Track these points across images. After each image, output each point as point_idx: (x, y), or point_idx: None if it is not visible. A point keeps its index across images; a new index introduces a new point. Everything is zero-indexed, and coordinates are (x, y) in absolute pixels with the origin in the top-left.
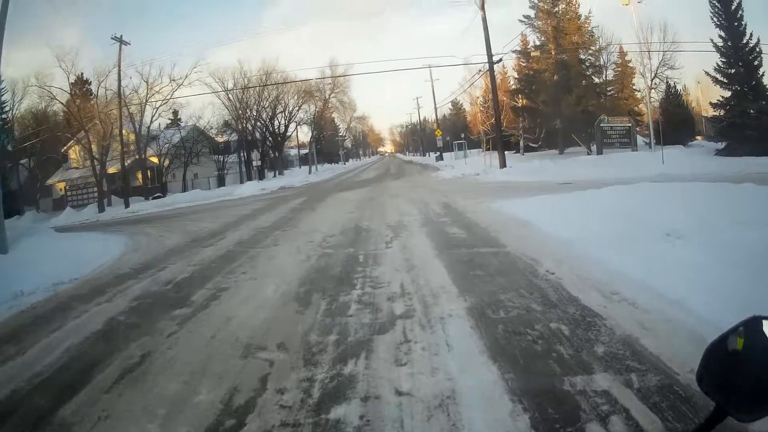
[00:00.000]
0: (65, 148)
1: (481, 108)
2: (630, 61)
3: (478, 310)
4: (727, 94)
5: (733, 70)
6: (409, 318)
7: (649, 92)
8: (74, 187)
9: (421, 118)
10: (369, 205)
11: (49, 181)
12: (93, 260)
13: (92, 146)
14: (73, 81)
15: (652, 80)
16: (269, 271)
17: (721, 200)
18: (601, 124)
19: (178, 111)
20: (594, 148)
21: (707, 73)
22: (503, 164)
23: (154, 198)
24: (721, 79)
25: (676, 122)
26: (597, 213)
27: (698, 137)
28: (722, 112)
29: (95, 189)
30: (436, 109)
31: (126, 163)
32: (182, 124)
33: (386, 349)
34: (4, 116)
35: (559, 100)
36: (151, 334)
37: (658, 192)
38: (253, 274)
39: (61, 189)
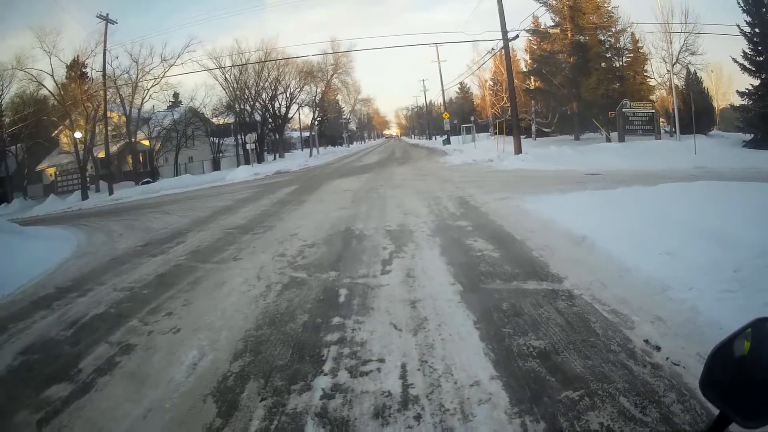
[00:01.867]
0: (56, 132)
1: (491, 90)
2: (642, 47)
3: None
4: (756, 82)
5: (762, 58)
6: None
7: (672, 78)
8: (64, 172)
9: (428, 101)
10: (368, 198)
11: (40, 167)
12: (26, 271)
13: (77, 130)
14: (69, 63)
15: (673, 65)
16: (202, 316)
17: None
18: (624, 110)
19: (178, 94)
20: (613, 134)
21: (735, 60)
22: (518, 150)
23: (144, 183)
24: (749, 66)
25: (697, 111)
26: (676, 229)
27: (713, 127)
28: (749, 102)
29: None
30: (443, 89)
31: (115, 147)
32: (180, 107)
33: None
34: None
35: (577, 83)
36: None
37: (733, 195)
38: (178, 319)
39: (51, 174)
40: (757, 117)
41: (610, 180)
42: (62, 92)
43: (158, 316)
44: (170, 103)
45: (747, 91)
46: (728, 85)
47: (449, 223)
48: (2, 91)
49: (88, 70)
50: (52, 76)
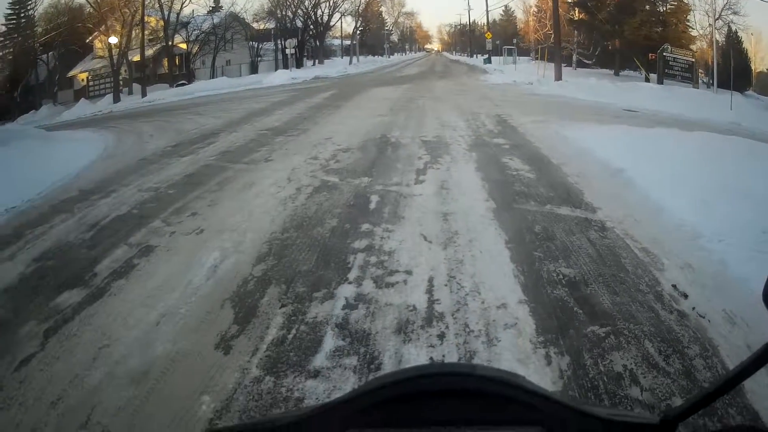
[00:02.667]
0: (90, 38)
1: (535, 16)
2: None
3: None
4: None
5: None
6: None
7: (714, 32)
8: (97, 77)
9: (471, 20)
10: (406, 108)
11: (72, 73)
12: (48, 176)
13: (112, 35)
14: None
15: (716, 20)
16: (228, 217)
17: None
18: (665, 54)
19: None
20: (652, 76)
21: None
22: (559, 77)
23: (178, 85)
24: None
25: (735, 69)
26: (713, 179)
27: (749, 88)
28: None
29: (119, 77)
30: (488, 9)
31: (151, 51)
32: (220, 12)
33: None
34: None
35: (621, 21)
36: None
37: None
38: (202, 220)
39: (83, 80)
40: None
41: (647, 119)
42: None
43: (182, 216)
44: (210, 8)
45: None
46: (767, 50)
47: (486, 139)
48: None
49: None
50: None
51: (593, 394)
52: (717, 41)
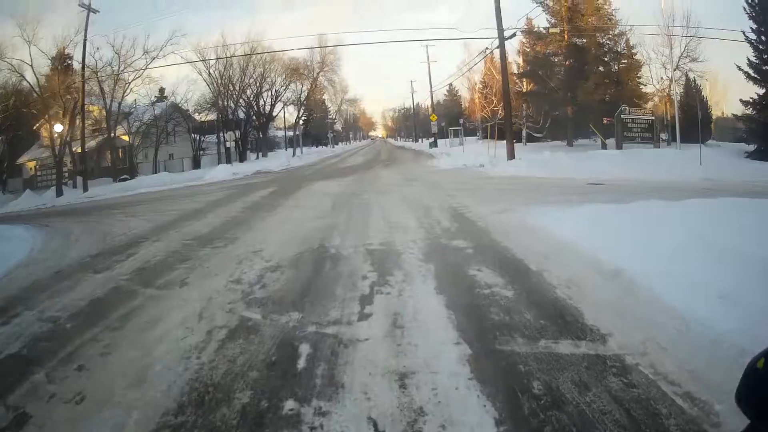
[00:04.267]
0: (36, 125)
1: (481, 93)
2: (636, 53)
3: None
4: (761, 91)
5: None
6: None
7: (673, 84)
8: (43, 166)
9: (415, 103)
10: (349, 204)
11: (20, 160)
12: None
13: (57, 123)
14: (55, 55)
15: (674, 71)
16: (116, 378)
17: None
18: (622, 116)
19: (164, 89)
20: (609, 141)
21: (739, 68)
22: (511, 155)
23: (121, 180)
24: (754, 75)
25: (696, 119)
26: (726, 260)
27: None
28: (753, 111)
29: (64, 169)
30: (432, 90)
31: (94, 142)
32: (162, 102)
33: None
34: None
35: (573, 87)
36: None
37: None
38: (86, 381)
39: (31, 168)
40: (762, 127)
41: (617, 191)
42: (42, 84)
43: (68, 369)
44: (156, 99)
45: (751, 100)
46: (722, 93)
47: (444, 242)
48: None
49: (71, 62)
50: (31, 66)
51: None
52: (678, 93)
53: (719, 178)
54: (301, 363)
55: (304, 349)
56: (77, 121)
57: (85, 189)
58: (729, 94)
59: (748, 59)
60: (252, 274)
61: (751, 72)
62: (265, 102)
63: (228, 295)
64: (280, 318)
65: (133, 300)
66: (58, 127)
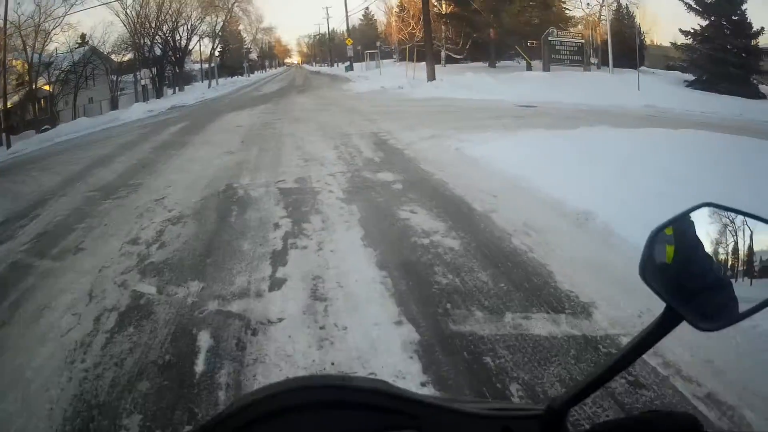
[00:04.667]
0: None
1: (397, 16)
2: None
3: None
4: (704, 23)
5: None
6: None
7: (608, 7)
8: None
9: (331, 29)
10: (261, 137)
11: None
12: None
13: None
14: None
15: None
16: None
17: None
18: (550, 38)
19: (86, 35)
20: (534, 63)
21: None
22: (432, 76)
23: (42, 131)
24: (696, 6)
25: (630, 46)
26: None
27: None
28: (695, 42)
29: None
30: (347, 13)
31: (16, 97)
32: (80, 48)
33: None
34: None
35: (498, 10)
36: None
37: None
38: None
39: None
40: (704, 58)
41: (554, 116)
42: None
43: None
44: (77, 45)
45: (693, 30)
46: (652, 23)
47: (368, 176)
48: None
49: None
50: None
51: None
52: (609, 17)
53: (662, 107)
54: (200, 365)
55: (204, 340)
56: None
57: (9, 146)
58: (661, 24)
59: None
60: (151, 231)
61: (692, 3)
62: (181, 37)
63: (123, 262)
64: (178, 291)
65: (27, 278)
66: None
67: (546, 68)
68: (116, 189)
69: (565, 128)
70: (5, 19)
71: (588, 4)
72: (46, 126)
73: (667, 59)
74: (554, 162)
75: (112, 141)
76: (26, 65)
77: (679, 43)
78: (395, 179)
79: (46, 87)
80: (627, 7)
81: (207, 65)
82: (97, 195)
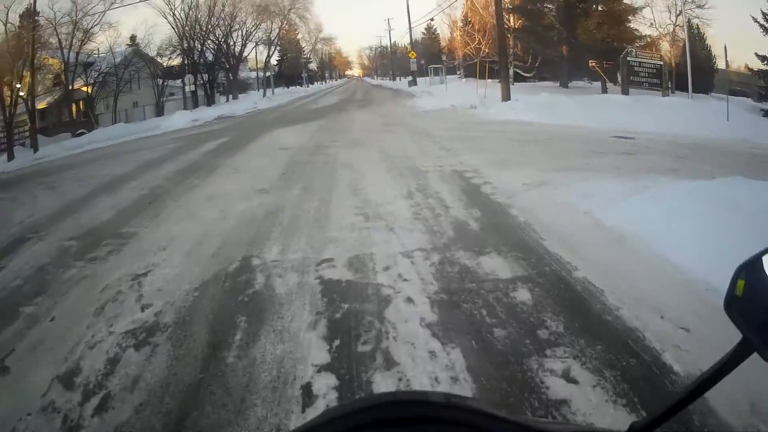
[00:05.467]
0: None
1: (462, 30)
2: None
3: None
4: None
5: None
6: None
7: (685, 27)
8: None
9: (392, 41)
10: (308, 167)
11: None
12: None
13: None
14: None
15: (677, 16)
16: None
17: None
18: (629, 58)
19: (135, 36)
20: (608, 85)
21: (755, 20)
22: (507, 96)
23: (77, 135)
24: None
25: (703, 70)
26: None
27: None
28: None
29: (25, 129)
30: (410, 25)
31: (54, 98)
32: (121, 49)
33: None
34: None
35: (571, 25)
36: None
37: None
38: None
39: None
40: None
41: (664, 152)
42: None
43: None
44: (127, 45)
45: None
46: (720, 46)
47: (467, 265)
48: None
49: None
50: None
51: None
52: (687, 35)
53: (759, 141)
54: None
55: None
56: (39, 76)
57: (36, 149)
58: (731, 47)
59: (763, 12)
60: (99, 356)
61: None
62: (235, 42)
63: None
64: None
65: None
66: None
67: (625, 91)
68: (101, 240)
69: (696, 176)
70: (34, 13)
71: (651, 23)
72: (82, 130)
73: (731, 84)
74: (736, 244)
75: (136, 156)
76: (63, 64)
77: (755, 69)
78: (514, 276)
79: (84, 88)
80: (698, 27)
81: (267, 74)
82: (74, 247)
